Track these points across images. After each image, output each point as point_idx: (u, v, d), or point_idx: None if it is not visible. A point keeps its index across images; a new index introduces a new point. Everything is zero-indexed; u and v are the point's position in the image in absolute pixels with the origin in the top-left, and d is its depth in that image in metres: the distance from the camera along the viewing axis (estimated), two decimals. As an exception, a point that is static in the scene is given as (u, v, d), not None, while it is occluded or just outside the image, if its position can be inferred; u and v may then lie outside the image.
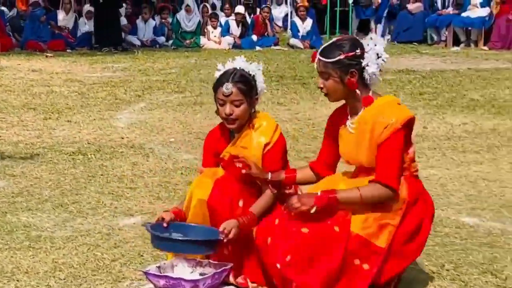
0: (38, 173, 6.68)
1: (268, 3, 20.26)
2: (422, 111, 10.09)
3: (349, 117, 3.61)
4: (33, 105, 10.51)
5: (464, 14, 19.05)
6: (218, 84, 3.67)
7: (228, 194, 3.67)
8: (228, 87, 3.58)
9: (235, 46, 18.11)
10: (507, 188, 6.30)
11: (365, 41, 3.48)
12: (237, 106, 3.58)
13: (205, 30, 18.58)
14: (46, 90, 11.76)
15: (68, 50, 16.81)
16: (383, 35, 18.82)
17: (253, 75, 3.74)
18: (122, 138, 8.31)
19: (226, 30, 18.63)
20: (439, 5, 20.47)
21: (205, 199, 3.62)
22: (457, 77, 13.46)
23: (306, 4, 19.37)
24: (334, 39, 3.65)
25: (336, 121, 3.69)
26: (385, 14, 20.51)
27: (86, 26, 17.94)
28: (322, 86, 3.53)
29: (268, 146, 3.73)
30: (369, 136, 3.46)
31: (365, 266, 3.50)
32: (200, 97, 10.75)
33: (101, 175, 6.60)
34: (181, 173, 6.66)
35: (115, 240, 4.89)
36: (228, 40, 18.11)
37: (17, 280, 3.91)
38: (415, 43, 19.25)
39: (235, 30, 18.41)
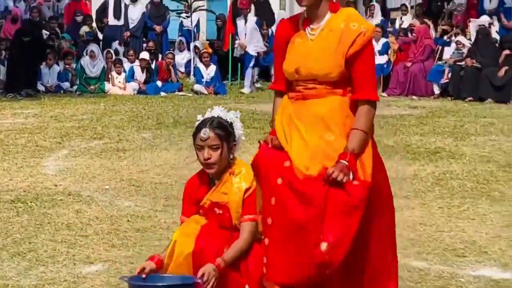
0: None
1: (171, 49, 20.45)
2: None
3: (310, 24, 3.46)
4: None
5: None
6: (196, 131, 3.75)
7: (214, 242, 3.72)
8: (205, 132, 3.66)
9: (140, 91, 18.12)
10: (444, 232, 6.47)
11: None
12: (215, 151, 3.64)
13: (110, 76, 18.40)
14: None
15: None
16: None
17: (231, 122, 3.83)
18: (56, 185, 8.22)
19: (130, 76, 18.48)
20: None
21: (189, 251, 3.66)
22: None
23: (210, 50, 19.74)
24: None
25: (286, 34, 3.53)
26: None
27: None
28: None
29: (249, 191, 3.78)
30: (336, 43, 3.33)
31: None
32: (120, 143, 10.78)
33: (48, 223, 6.54)
34: (128, 220, 6.62)
35: (84, 287, 4.94)
36: (133, 85, 18.14)
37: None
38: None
39: (140, 76, 18.41)
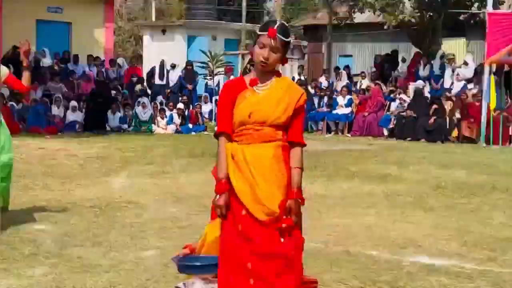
0: (73, 221, 6.78)
1: (199, 102, 20.54)
2: (320, 179, 10.11)
3: (258, 84, 3.27)
4: (49, 173, 10.40)
5: (334, 111, 19.17)
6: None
7: None
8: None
9: (177, 131, 18.04)
10: (391, 231, 6.59)
11: None
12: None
13: (156, 120, 18.39)
14: (55, 162, 11.66)
15: (59, 133, 16.51)
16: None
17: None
18: (120, 196, 8.37)
19: (170, 120, 18.43)
20: (316, 105, 19.71)
21: (217, 235, 3.47)
22: (336, 155, 13.65)
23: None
24: (278, 22, 3.30)
25: (234, 91, 3.30)
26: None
27: (72, 116, 17.63)
28: (267, 57, 3.18)
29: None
30: (287, 97, 3.18)
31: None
32: (165, 168, 10.83)
33: (116, 222, 6.75)
34: (171, 221, 6.75)
35: (144, 266, 5.05)
36: (172, 127, 18.13)
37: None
38: (301, 132, 19.18)
39: (177, 120, 18.48)
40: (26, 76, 6.44)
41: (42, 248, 5.56)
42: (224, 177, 3.13)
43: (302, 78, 21.55)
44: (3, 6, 20.12)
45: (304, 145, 3.20)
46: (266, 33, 3.08)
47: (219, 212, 3.14)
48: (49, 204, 7.61)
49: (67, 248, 5.54)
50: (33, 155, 12.03)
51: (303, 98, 3.17)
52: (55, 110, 17.12)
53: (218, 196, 3.14)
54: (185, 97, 19.62)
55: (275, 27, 3.10)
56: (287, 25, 3.27)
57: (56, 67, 19.28)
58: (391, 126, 17.27)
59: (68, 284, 4.60)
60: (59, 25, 21.65)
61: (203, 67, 21.19)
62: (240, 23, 25.99)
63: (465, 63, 19.09)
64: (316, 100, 19.26)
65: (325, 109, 18.91)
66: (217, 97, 21.54)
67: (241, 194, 3.09)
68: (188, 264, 3.74)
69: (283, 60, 3.22)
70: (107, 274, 4.67)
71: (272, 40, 3.06)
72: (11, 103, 16.00)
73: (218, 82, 20.60)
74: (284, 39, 3.12)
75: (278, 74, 3.19)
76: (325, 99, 19.28)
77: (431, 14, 19.68)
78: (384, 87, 19.11)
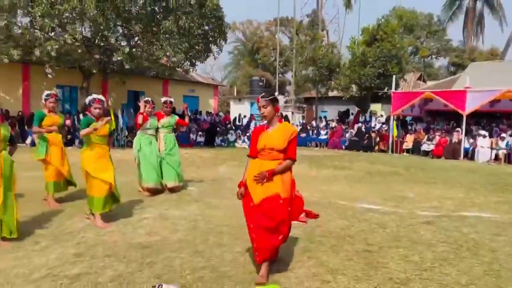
0: (205, 185, 8.12)
1: None
2: (314, 168, 11.19)
3: (269, 127, 3.48)
4: (197, 164, 12.23)
5: (319, 137, 21.26)
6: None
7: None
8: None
9: (248, 146, 18.29)
10: (348, 193, 7.46)
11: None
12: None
13: (237, 141, 20.16)
14: (193, 158, 13.38)
15: (193, 147, 17.94)
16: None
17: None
18: (223, 175, 10.21)
19: (243, 141, 19.74)
20: (310, 133, 21.87)
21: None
22: (320, 157, 14.71)
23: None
24: (263, 93, 3.55)
25: (257, 133, 3.51)
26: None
27: (199, 138, 19.40)
28: (263, 112, 3.38)
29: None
30: (285, 134, 3.38)
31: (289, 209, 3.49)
32: (243, 163, 9.67)
33: (224, 188, 8.08)
34: None
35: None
36: (245, 145, 19.34)
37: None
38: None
39: (247, 141, 19.44)
40: (186, 119, 7.64)
41: (190, 196, 6.78)
42: (243, 179, 3.49)
43: (304, 121, 25.29)
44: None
45: (295, 160, 3.40)
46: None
47: (239, 196, 3.52)
48: (194, 178, 8.69)
49: (208, 197, 6.91)
50: (186, 156, 13.00)
51: (294, 134, 3.38)
52: (192, 136, 19.34)
53: (238, 189, 3.53)
54: (250, 130, 20.64)
55: (260, 96, 3.48)
56: (269, 92, 3.56)
57: (191, 116, 20.27)
58: (346, 144, 19.65)
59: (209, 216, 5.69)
60: (193, 98, 25.62)
61: (258, 116, 19.66)
62: None
63: (381, 115, 21.99)
64: (310, 132, 21.98)
65: (314, 136, 21.58)
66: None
67: (249, 188, 3.44)
68: None
69: (276, 108, 3.38)
70: (224, 210, 6.00)
71: (259, 103, 3.43)
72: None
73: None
74: (266, 98, 3.38)
75: (280, 121, 3.38)
76: (315, 131, 21.83)
77: (365, 92, 22.61)
78: (342, 126, 21.43)
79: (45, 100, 6.02)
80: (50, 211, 5.73)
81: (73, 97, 20.60)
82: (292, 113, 27.69)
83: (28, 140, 15.60)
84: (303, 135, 21.60)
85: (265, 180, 3.28)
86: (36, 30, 15.43)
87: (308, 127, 22.66)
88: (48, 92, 6.11)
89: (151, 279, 3.40)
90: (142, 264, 3.75)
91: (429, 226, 5.26)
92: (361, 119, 22.06)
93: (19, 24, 15.97)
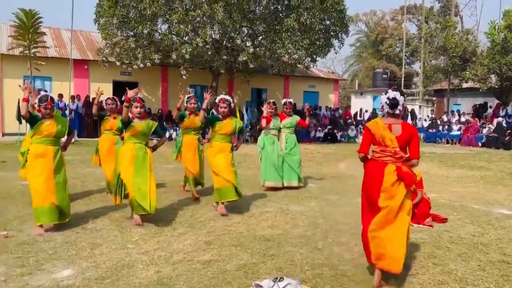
0: (323, 182, 8.96)
1: None
2: (444, 166, 11.05)
3: (393, 127, 3.39)
4: (315, 160, 12.58)
5: (451, 133, 20.49)
6: None
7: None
8: None
9: None
10: (483, 194, 7.19)
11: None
12: None
13: (358, 135, 20.12)
14: (314, 155, 13.61)
15: (312, 142, 18.36)
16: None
17: None
18: (344, 172, 10.31)
19: None
20: (440, 129, 20.95)
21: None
22: (452, 155, 14.27)
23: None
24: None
25: (375, 131, 3.40)
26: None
27: (318, 134, 19.81)
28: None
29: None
30: (407, 133, 3.35)
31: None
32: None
33: (346, 183, 8.66)
34: None
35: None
36: None
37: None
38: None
39: None
40: (307, 120, 7.73)
41: (310, 192, 7.14)
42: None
43: (433, 115, 23.39)
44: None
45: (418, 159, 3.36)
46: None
47: None
48: (314, 175, 8.86)
49: (328, 194, 7.10)
50: (306, 152, 13.27)
51: (414, 133, 3.35)
52: (312, 133, 19.80)
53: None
54: None
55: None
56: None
57: (312, 112, 18.97)
58: (483, 141, 18.57)
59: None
60: (313, 94, 25.65)
61: (381, 110, 24.81)
62: (400, 89, 28.30)
63: (526, 108, 20.02)
64: (440, 127, 20.99)
65: (445, 131, 20.68)
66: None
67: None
68: None
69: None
70: (344, 208, 6.17)
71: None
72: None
73: None
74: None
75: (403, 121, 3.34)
76: (446, 126, 20.90)
77: (507, 83, 20.92)
78: (478, 120, 20.34)
79: (186, 102, 6.51)
80: (186, 201, 6.37)
81: (203, 96, 22.08)
82: (420, 106, 26.47)
83: (166, 135, 17.40)
84: (433, 130, 20.84)
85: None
86: (173, 36, 16.89)
87: (439, 122, 21.71)
88: (189, 95, 6.61)
89: (273, 271, 3.60)
90: (265, 255, 3.99)
91: None
92: (502, 113, 20.51)
93: (159, 31, 17.73)
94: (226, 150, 5.54)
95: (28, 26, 14.88)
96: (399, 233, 3.27)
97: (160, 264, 3.79)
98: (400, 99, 3.53)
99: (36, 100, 4.72)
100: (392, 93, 3.56)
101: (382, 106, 3.55)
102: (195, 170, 6.49)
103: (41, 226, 4.61)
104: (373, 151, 3.47)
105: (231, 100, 5.73)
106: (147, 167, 4.91)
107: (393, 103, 3.44)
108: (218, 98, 5.69)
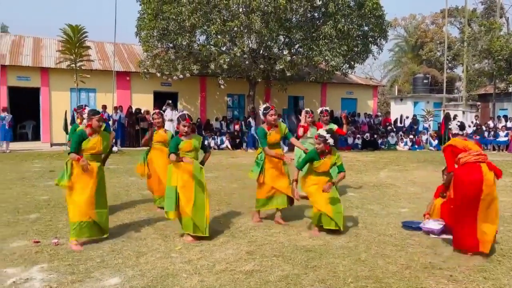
0: (364, 192, 8.72)
1: (419, 135, 20.85)
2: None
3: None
4: (354, 169, 12.31)
5: (497, 139, 19.89)
6: None
7: None
8: None
9: (409, 149, 18.97)
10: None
11: None
12: None
13: (398, 143, 19.92)
14: (353, 163, 13.51)
15: (351, 150, 18.46)
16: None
17: None
18: (386, 181, 9.72)
19: (405, 144, 19.68)
20: (486, 135, 20.45)
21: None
22: (498, 163, 15.32)
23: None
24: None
25: (457, 143, 3.95)
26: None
27: (355, 141, 19.34)
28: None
29: None
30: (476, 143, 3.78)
31: None
32: (406, 166, 11.86)
33: (385, 193, 8.51)
34: (413, 194, 7.89)
35: (400, 216, 6.36)
36: (406, 147, 19.80)
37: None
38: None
39: (409, 143, 19.53)
40: (344, 128, 7.60)
41: (351, 202, 6.97)
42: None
43: (477, 121, 22.39)
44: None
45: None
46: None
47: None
48: (354, 184, 8.69)
49: (370, 204, 7.05)
50: (345, 160, 15.05)
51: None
52: (350, 140, 19.36)
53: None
54: (413, 132, 20.98)
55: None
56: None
57: (350, 119, 19.25)
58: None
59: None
60: (351, 100, 25.00)
61: (422, 116, 22.73)
62: (441, 94, 26.09)
63: None
64: (486, 133, 20.43)
65: (491, 137, 20.15)
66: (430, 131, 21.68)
67: None
68: (408, 225, 4.90)
69: None
70: (386, 218, 5.98)
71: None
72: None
73: (429, 125, 21.99)
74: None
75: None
76: (492, 132, 20.35)
77: None
78: None
79: (264, 114, 5.58)
80: (226, 210, 6.40)
81: (241, 105, 22.40)
82: (463, 112, 25.65)
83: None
84: (477, 137, 19.90)
85: None
86: (211, 46, 17.26)
87: (484, 128, 21.14)
88: (267, 105, 5.79)
89: (316, 283, 3.57)
90: (307, 267, 3.95)
91: None
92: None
93: (198, 42, 18.21)
94: (280, 165, 5.56)
95: (74, 41, 15.61)
96: (495, 217, 4.09)
97: (203, 274, 3.84)
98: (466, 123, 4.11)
99: (86, 114, 4.76)
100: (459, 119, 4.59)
101: (451, 129, 4.41)
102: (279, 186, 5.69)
103: (76, 240, 4.58)
104: (461, 158, 4.04)
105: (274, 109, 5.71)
106: (204, 186, 4.88)
107: (462, 126, 4.31)
108: (264, 106, 5.60)
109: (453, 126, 4.31)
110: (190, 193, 4.75)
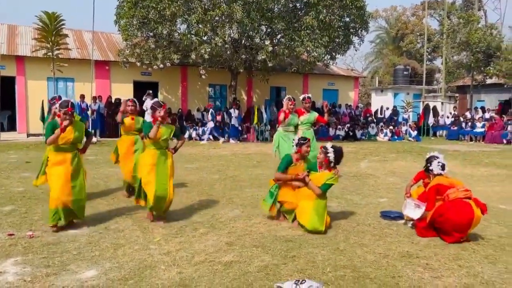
0: (344, 182, 8.74)
1: (398, 125, 21.49)
2: (469, 165, 11.03)
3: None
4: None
5: (474, 130, 20.30)
6: None
7: None
8: None
9: (388, 140, 19.24)
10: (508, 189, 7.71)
11: None
12: None
13: (378, 134, 20.34)
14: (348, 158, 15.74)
15: (333, 140, 18.42)
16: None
17: None
18: (365, 171, 9.72)
19: (385, 135, 20.20)
20: (464, 126, 20.83)
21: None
22: (475, 154, 14.00)
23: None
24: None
25: (442, 181, 4.34)
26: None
27: (337, 132, 19.98)
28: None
29: None
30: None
31: None
32: (386, 157, 12.37)
33: (365, 183, 8.54)
34: (392, 185, 8.43)
35: (380, 206, 7.63)
36: (386, 138, 19.94)
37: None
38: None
39: (389, 134, 19.95)
40: (326, 116, 7.77)
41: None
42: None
43: (455, 113, 23.15)
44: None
45: None
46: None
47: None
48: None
49: (350, 194, 7.29)
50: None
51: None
52: (332, 131, 19.69)
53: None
54: (393, 123, 21.37)
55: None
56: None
57: (331, 109, 20.25)
58: (508, 138, 18.62)
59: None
60: (333, 91, 25.28)
61: (402, 108, 23.31)
62: (421, 85, 27.28)
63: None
64: (463, 124, 20.92)
65: (468, 128, 20.55)
66: (409, 122, 22.40)
67: None
68: (387, 215, 5.02)
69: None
70: (365, 208, 5.98)
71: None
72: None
73: (409, 116, 22.58)
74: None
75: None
76: (469, 123, 20.66)
77: None
78: (504, 117, 20.06)
79: (300, 144, 5.26)
80: (207, 201, 6.37)
81: (223, 95, 22.39)
82: (442, 103, 25.83)
83: (186, 135, 17.57)
84: (455, 128, 20.76)
85: None
86: (192, 36, 17.10)
87: (461, 119, 21.56)
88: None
89: (294, 273, 3.56)
90: (286, 257, 3.94)
91: None
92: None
93: (178, 31, 18.02)
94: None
95: (51, 29, 15.35)
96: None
97: (182, 265, 3.80)
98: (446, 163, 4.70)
99: (57, 105, 4.76)
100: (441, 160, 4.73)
101: (432, 170, 4.62)
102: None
103: (54, 226, 4.74)
104: (450, 194, 4.22)
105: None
106: (167, 173, 5.02)
107: (443, 166, 4.50)
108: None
109: (434, 166, 4.45)
110: (152, 182, 4.97)
